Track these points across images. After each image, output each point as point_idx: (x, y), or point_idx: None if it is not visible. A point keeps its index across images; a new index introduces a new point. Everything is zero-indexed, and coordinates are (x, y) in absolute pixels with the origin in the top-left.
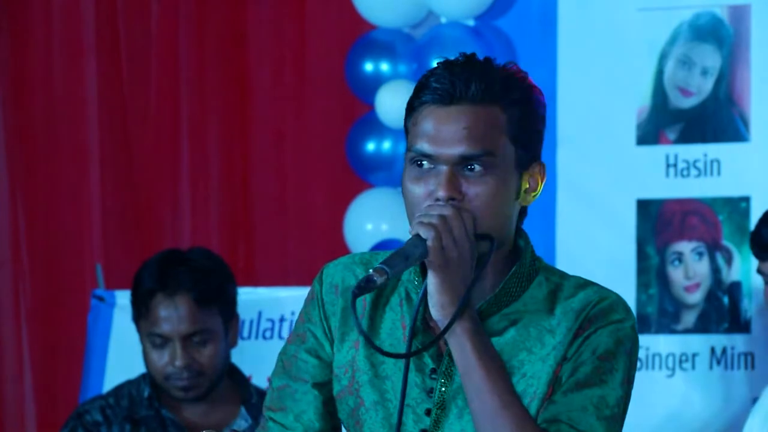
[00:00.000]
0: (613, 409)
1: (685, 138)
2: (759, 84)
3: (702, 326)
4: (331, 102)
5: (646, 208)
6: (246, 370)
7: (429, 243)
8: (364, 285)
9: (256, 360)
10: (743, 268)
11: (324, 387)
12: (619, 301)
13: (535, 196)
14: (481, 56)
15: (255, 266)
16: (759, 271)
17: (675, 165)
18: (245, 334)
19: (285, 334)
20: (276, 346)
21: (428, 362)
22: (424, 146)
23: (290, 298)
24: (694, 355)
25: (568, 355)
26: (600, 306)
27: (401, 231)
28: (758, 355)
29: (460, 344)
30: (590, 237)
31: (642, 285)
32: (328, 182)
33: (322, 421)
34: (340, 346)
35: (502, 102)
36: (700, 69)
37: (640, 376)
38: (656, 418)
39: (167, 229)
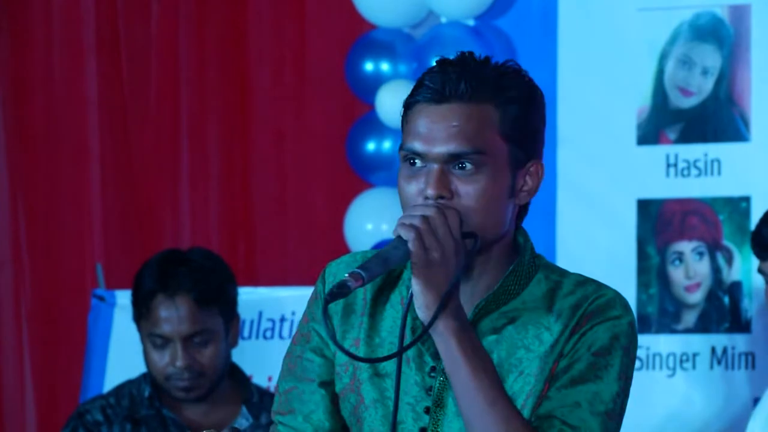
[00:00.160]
0: (608, 405)
1: (685, 138)
2: (759, 84)
3: (702, 326)
4: (332, 102)
5: (646, 207)
6: (246, 370)
7: (410, 244)
8: (337, 291)
9: (257, 360)
10: (744, 267)
11: (330, 385)
12: (616, 298)
13: (531, 194)
14: (481, 56)
15: (255, 266)
16: (759, 270)
17: (675, 165)
18: (245, 334)
19: (285, 333)
20: (276, 345)
21: (428, 361)
22: (415, 144)
23: (291, 298)
24: (694, 355)
25: (565, 352)
26: (597, 302)
27: None
28: (759, 355)
29: (445, 342)
30: (590, 237)
31: (642, 285)
32: (328, 182)
33: (332, 420)
34: (341, 344)
35: (495, 100)
36: (701, 69)
37: (640, 376)
38: (657, 418)
39: (167, 229)
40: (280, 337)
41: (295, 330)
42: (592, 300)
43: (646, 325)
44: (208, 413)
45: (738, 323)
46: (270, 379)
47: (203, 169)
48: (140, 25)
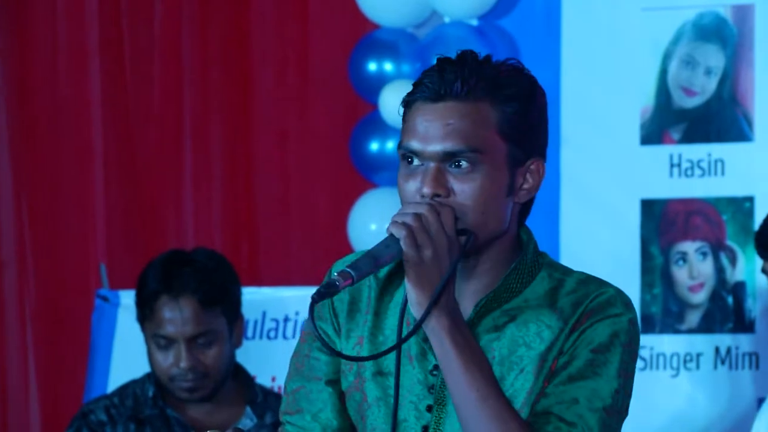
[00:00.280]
0: (606, 401)
1: (688, 138)
2: (763, 84)
3: (706, 326)
4: (335, 102)
5: (650, 207)
6: (250, 370)
7: (401, 242)
8: (325, 290)
9: (260, 360)
10: (747, 267)
11: (338, 384)
12: (617, 296)
13: (532, 192)
14: (481, 55)
15: (259, 266)
16: (763, 270)
17: (679, 165)
18: (249, 334)
19: (289, 333)
20: (280, 345)
21: (431, 359)
22: (411, 143)
23: (294, 298)
24: (698, 355)
25: (564, 349)
26: (598, 300)
27: None
28: (763, 354)
29: (438, 340)
30: (594, 237)
31: (646, 285)
32: (331, 182)
33: (340, 418)
34: (346, 342)
35: (492, 98)
36: (704, 69)
37: (644, 376)
38: (661, 419)
39: (171, 229)
40: (284, 337)
41: (299, 330)
42: (593, 297)
43: (649, 325)
44: (212, 413)
45: (742, 323)
46: (273, 379)
47: (206, 170)
48: (143, 25)
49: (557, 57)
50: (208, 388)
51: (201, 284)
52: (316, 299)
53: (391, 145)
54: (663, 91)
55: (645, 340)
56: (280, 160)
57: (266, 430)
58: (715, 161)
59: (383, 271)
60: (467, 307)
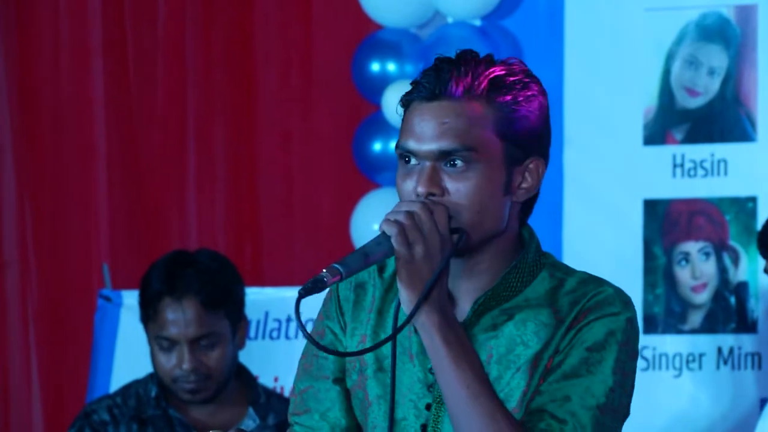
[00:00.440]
0: (600, 399)
1: (691, 138)
2: (766, 84)
3: (709, 326)
4: (338, 102)
5: (652, 208)
6: (253, 370)
7: (392, 239)
8: (311, 286)
9: (263, 360)
10: (750, 268)
11: (344, 382)
12: (616, 295)
13: (531, 191)
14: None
15: (262, 266)
16: (766, 270)
17: (682, 165)
18: (252, 334)
19: (292, 334)
20: (283, 346)
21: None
22: (408, 143)
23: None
24: (701, 356)
25: (560, 348)
26: (595, 299)
27: None
28: (765, 355)
29: (429, 336)
30: (597, 237)
31: (649, 285)
32: (334, 182)
33: (348, 416)
34: (351, 340)
35: (488, 97)
36: (707, 69)
37: (646, 377)
38: (663, 419)
39: (174, 230)
40: (287, 337)
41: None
42: (590, 296)
43: (652, 325)
44: (215, 414)
45: (744, 323)
46: (276, 379)
47: (210, 171)
48: (147, 26)
49: (560, 57)
50: (210, 389)
51: (204, 286)
52: (302, 294)
53: (394, 145)
54: (666, 92)
55: (647, 340)
56: (283, 160)
57: (268, 431)
58: (718, 161)
59: (388, 271)
60: (466, 306)
